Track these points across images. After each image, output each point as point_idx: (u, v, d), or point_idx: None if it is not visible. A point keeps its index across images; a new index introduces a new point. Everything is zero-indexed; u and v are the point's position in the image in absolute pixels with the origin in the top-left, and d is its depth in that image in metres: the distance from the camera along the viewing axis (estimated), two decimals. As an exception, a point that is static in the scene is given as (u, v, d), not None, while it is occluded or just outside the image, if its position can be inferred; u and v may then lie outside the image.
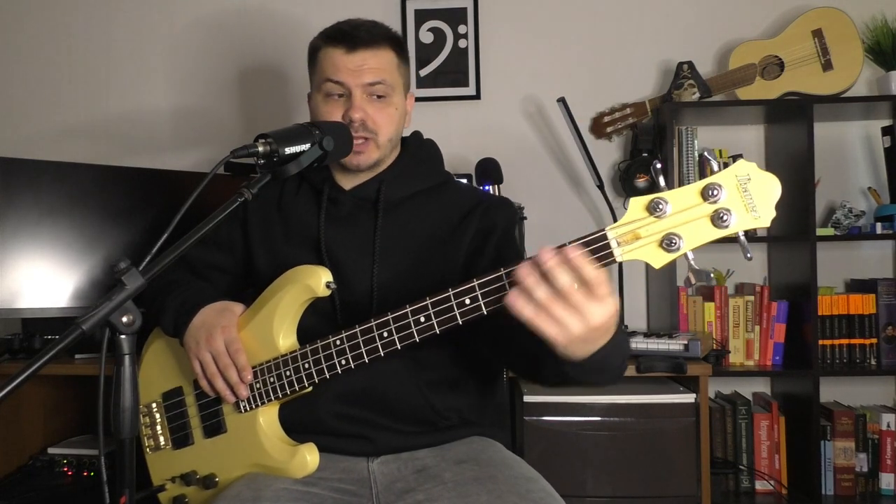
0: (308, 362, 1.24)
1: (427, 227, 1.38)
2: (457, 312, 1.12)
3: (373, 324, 1.18)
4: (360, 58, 1.32)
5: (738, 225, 0.99)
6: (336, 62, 1.33)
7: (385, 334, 1.18)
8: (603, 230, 1.04)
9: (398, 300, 1.21)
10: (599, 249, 1.04)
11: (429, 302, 1.14)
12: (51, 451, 2.00)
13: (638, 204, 1.02)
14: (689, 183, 2.27)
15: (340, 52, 1.33)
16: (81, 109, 2.60)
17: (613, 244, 1.03)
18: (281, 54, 2.57)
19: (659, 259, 1.02)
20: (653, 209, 1.01)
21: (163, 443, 1.39)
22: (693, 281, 1.06)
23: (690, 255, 1.02)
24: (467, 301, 1.12)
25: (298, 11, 2.56)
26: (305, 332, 1.29)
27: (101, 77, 2.61)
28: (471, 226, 1.37)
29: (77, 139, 2.59)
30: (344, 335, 1.21)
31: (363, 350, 1.20)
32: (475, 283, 1.10)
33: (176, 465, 1.37)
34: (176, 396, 1.39)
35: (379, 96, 1.34)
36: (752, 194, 0.99)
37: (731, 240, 1.02)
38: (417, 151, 1.45)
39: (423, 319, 1.15)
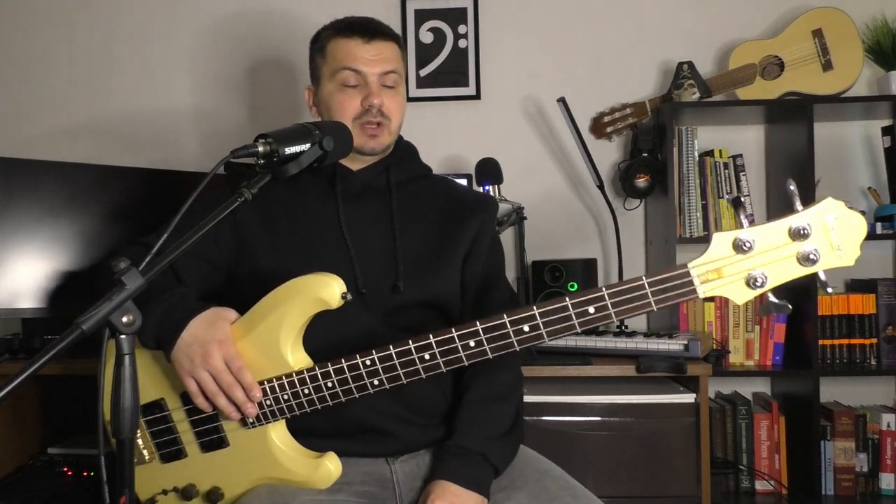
0: (331, 381, 1.19)
1: (437, 207, 1.44)
2: (514, 339, 1.13)
3: (412, 346, 1.17)
4: (375, 48, 1.38)
5: (823, 263, 1.00)
6: (353, 52, 1.37)
7: (427, 357, 1.16)
8: (685, 267, 1.05)
9: (421, 272, 1.30)
10: (681, 286, 1.05)
11: (480, 327, 1.14)
12: (51, 451, 2.00)
13: (722, 240, 1.03)
14: (689, 183, 2.31)
15: (357, 42, 1.37)
16: (82, 109, 2.60)
17: (696, 282, 1.04)
18: (281, 52, 2.56)
19: (742, 296, 1.04)
20: (738, 247, 1.01)
21: (147, 456, 1.31)
22: (770, 311, 1.06)
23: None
24: (526, 328, 1.12)
25: (298, 9, 2.56)
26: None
27: (102, 77, 2.61)
28: (473, 222, 1.44)
29: (77, 139, 2.59)
30: (376, 356, 1.18)
31: (401, 372, 1.17)
32: (535, 311, 1.11)
33: (168, 478, 1.31)
34: (157, 409, 1.30)
35: (390, 86, 1.40)
36: (838, 233, 0.99)
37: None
38: (406, 146, 1.52)
39: (473, 344, 1.14)
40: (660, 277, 1.05)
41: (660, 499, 1.84)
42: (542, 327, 1.10)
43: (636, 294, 1.06)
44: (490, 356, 1.14)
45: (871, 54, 2.43)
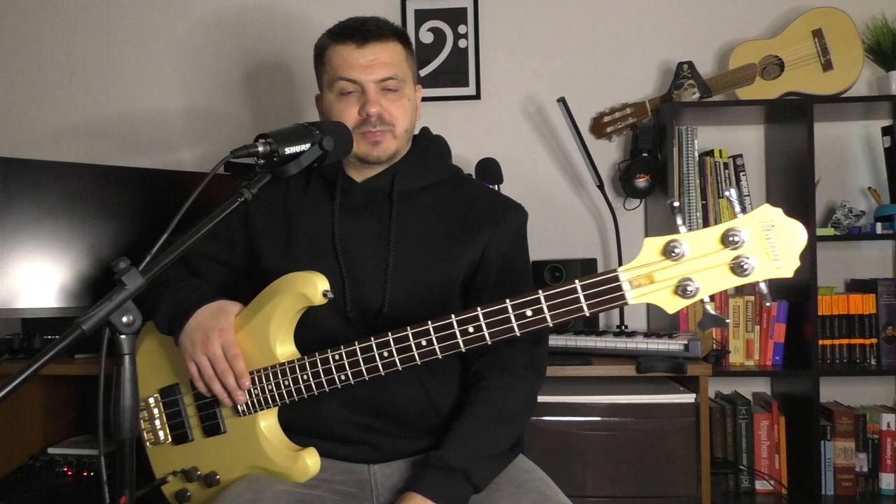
0: (307, 374, 1.25)
1: (441, 222, 1.38)
2: (460, 340, 1.15)
3: (373, 342, 1.20)
4: (370, 53, 1.33)
5: (758, 273, 0.96)
6: (347, 59, 1.33)
7: (385, 354, 1.19)
8: (615, 271, 1.03)
9: (412, 294, 1.28)
10: (610, 291, 1.03)
11: (431, 326, 1.16)
12: (51, 451, 2.00)
13: (652, 245, 1.00)
14: (689, 183, 2.31)
15: (351, 48, 1.33)
16: (81, 109, 2.60)
17: (626, 286, 1.02)
18: (282, 50, 2.56)
19: (673, 305, 1.00)
20: (668, 252, 0.98)
21: (162, 437, 1.40)
22: (708, 325, 1.02)
23: (706, 300, 1.00)
24: (471, 329, 1.14)
25: (300, 8, 2.56)
26: (315, 325, 1.31)
27: (102, 77, 2.61)
28: (485, 229, 1.37)
29: (77, 139, 2.59)
30: (343, 351, 1.22)
31: (363, 368, 1.21)
32: (479, 311, 1.13)
33: (177, 460, 1.39)
34: (172, 394, 1.39)
35: (392, 90, 1.35)
36: (774, 242, 0.95)
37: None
38: (428, 146, 1.46)
39: (424, 343, 1.17)
40: (591, 281, 1.04)
41: (660, 499, 1.85)
42: (484, 328, 1.13)
43: (570, 297, 1.07)
44: (440, 356, 1.17)
45: (871, 54, 2.43)
